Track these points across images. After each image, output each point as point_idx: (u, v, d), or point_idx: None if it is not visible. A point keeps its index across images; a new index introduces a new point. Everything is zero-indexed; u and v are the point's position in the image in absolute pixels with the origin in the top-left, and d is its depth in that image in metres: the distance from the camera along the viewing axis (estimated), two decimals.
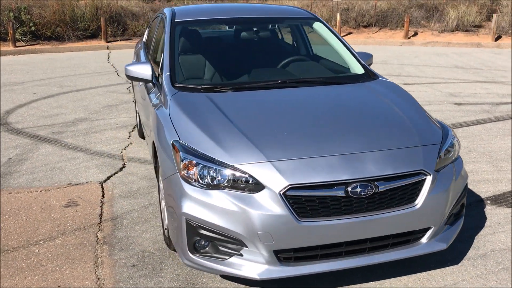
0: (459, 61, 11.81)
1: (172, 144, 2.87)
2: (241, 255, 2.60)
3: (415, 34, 16.46)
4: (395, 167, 2.66)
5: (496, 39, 15.26)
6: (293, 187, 2.52)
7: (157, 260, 3.23)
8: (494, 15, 15.26)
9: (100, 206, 4.04)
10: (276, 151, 2.66)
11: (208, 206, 2.59)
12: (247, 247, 2.56)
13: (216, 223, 2.56)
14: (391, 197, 2.65)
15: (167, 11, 4.40)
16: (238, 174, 2.58)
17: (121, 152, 5.39)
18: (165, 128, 3.06)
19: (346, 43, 4.23)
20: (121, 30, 15.53)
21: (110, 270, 3.12)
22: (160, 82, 3.69)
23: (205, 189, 2.62)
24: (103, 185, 4.49)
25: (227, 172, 2.60)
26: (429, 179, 2.73)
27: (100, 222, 3.76)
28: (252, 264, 2.59)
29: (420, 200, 2.71)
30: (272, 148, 2.68)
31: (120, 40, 15.14)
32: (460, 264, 3.17)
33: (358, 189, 2.55)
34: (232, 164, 2.61)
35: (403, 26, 16.67)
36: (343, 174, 2.57)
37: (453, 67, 10.91)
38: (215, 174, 2.62)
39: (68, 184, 4.52)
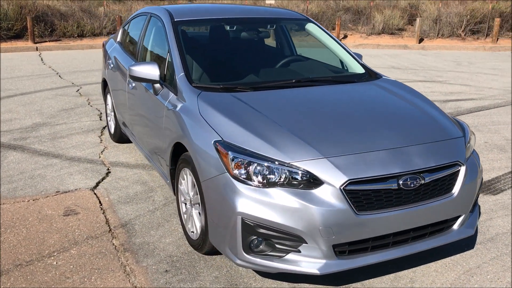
0: (394, 62, 12.50)
1: (215, 144, 2.82)
2: (299, 251, 2.62)
3: (345, 36, 17.16)
4: (436, 159, 2.82)
5: (419, 41, 16.32)
6: (352, 182, 2.58)
7: (189, 264, 3.15)
8: (418, 19, 16.31)
9: (103, 213, 3.86)
10: (328, 148, 2.71)
11: (266, 204, 2.58)
12: (306, 243, 2.59)
13: (276, 221, 2.56)
14: (433, 187, 2.80)
15: (160, 10, 4.29)
16: (295, 171, 2.60)
17: (99, 157, 5.15)
18: (199, 129, 3.00)
19: (341, 44, 4.37)
20: (49, 30, 14.74)
21: (144, 277, 3.00)
22: (172, 83, 3.60)
23: (262, 187, 2.61)
24: (95, 191, 4.28)
25: (284, 170, 2.61)
26: (463, 169, 2.92)
27: (111, 230, 3.59)
28: (310, 259, 2.62)
29: (456, 190, 2.89)
30: (323, 144, 2.73)
31: (49, 41, 14.36)
32: (475, 248, 3.40)
33: (408, 182, 2.68)
34: (288, 162, 2.62)
35: (333, 29, 17.34)
36: (395, 168, 2.68)
37: (390, 68, 11.53)
38: (271, 172, 2.62)
39: (57, 192, 4.25)
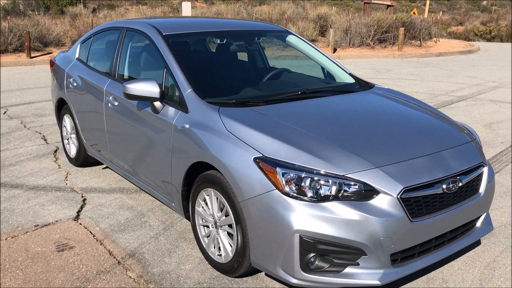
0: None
1: (255, 161, 2.70)
2: (358, 264, 2.58)
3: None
4: (468, 161, 2.94)
5: (334, 51, 17.06)
6: (406, 190, 2.60)
7: None
8: (331, 30, 17.06)
9: (101, 245, 3.53)
10: (376, 157, 2.70)
11: (324, 219, 2.51)
12: (366, 255, 2.56)
13: (337, 235, 2.50)
14: (467, 189, 2.91)
15: (142, 25, 4.05)
16: (348, 183, 2.57)
17: (66, 183, 4.74)
18: (230, 146, 2.85)
19: (325, 54, 4.42)
20: None
21: None
22: (174, 100, 3.41)
23: (317, 202, 2.54)
24: (80, 222, 3.91)
25: (338, 183, 2.56)
26: (485, 170, 3.08)
27: (119, 262, 3.29)
28: (369, 271, 2.59)
29: (482, 189, 3.03)
30: (370, 154, 2.72)
31: None
32: (482, 244, 3.59)
33: (450, 185, 2.76)
34: (342, 174, 2.58)
35: None
36: (439, 173, 2.74)
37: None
38: (325, 186, 2.56)
39: (36, 226, 3.83)
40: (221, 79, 3.81)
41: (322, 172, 2.59)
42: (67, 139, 5.29)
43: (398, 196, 2.57)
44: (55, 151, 5.77)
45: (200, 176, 3.14)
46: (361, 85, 4.01)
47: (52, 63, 5.61)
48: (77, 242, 3.57)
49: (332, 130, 2.98)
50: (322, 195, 2.55)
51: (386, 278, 2.59)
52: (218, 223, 3.07)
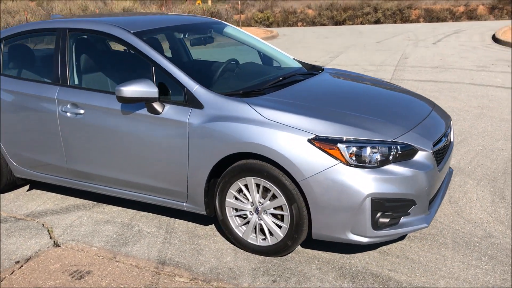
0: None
1: (312, 141, 2.93)
2: (409, 214, 3.04)
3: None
4: (446, 120, 3.62)
5: None
6: (434, 145, 3.15)
7: (284, 269, 3.13)
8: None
9: (117, 261, 3.29)
10: (402, 122, 3.18)
11: (387, 180, 2.89)
12: (416, 204, 3.03)
13: (398, 192, 2.90)
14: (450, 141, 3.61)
15: (96, 23, 3.77)
16: (398, 146, 2.99)
17: (5, 214, 4.12)
18: (278, 132, 2.99)
19: (264, 42, 4.69)
20: None
21: None
22: (176, 98, 3.35)
23: (378, 167, 2.91)
24: (65, 246, 3.53)
25: (389, 147, 2.97)
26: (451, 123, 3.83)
27: (158, 272, 3.14)
28: (417, 217, 3.07)
29: (453, 139, 3.77)
30: (396, 121, 3.19)
31: None
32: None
33: (448, 138, 3.41)
34: (391, 140, 2.99)
35: None
36: (440, 131, 3.36)
37: None
38: (380, 152, 2.93)
39: (17, 263, 3.33)
40: (213, 73, 3.80)
41: (375, 140, 2.96)
42: None
43: (431, 151, 3.10)
44: None
45: (232, 168, 3.19)
46: (314, 68, 4.40)
47: None
48: (88, 265, 3.25)
49: (348, 106, 3.35)
50: (380, 160, 2.93)
51: (429, 220, 3.11)
52: (260, 209, 3.19)
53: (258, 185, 3.15)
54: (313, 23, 33.84)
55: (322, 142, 2.91)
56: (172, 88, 3.42)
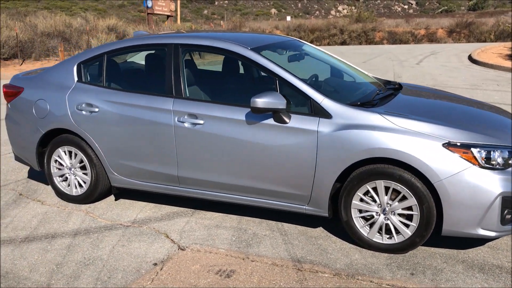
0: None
1: (446, 146, 3.28)
2: None
3: None
4: None
5: None
6: None
7: (414, 263, 3.44)
8: None
9: (253, 261, 3.51)
10: (506, 130, 3.63)
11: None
12: None
13: None
14: None
15: (220, 41, 4.04)
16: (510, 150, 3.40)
17: (108, 222, 4.25)
18: (414, 138, 3.30)
19: (338, 58, 5.05)
20: None
21: (412, 284, 3.18)
22: (299, 109, 3.65)
23: (504, 169, 3.29)
24: (191, 248, 3.71)
25: (509, 151, 3.36)
26: None
27: (299, 269, 3.39)
28: None
29: None
30: (502, 129, 3.63)
31: None
32: None
33: None
34: (510, 145, 3.39)
35: (48, 56, 16.25)
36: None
37: None
38: (504, 155, 3.32)
39: (155, 265, 3.49)
40: (329, 85, 4.11)
41: (500, 145, 3.35)
42: (60, 176, 4.62)
43: None
44: (20, 194, 4.89)
45: (361, 172, 3.50)
46: (385, 83, 4.80)
47: (11, 92, 4.74)
48: (227, 265, 3.45)
49: (454, 116, 3.76)
50: (505, 163, 3.32)
51: None
52: (387, 210, 3.50)
53: (386, 188, 3.46)
54: None
55: (456, 147, 3.28)
56: (292, 99, 3.71)
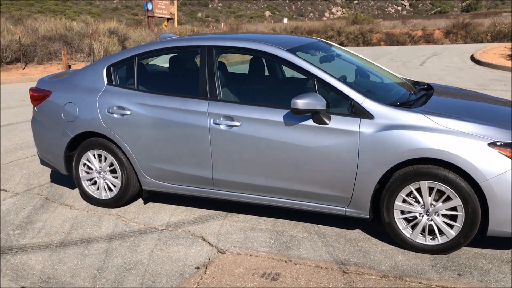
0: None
1: (492, 145, 3.26)
2: None
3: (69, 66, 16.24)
4: None
5: None
6: None
7: (457, 264, 3.42)
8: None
9: (295, 264, 3.48)
10: None
11: None
12: None
13: None
14: None
15: (255, 42, 4.01)
16: None
17: (142, 226, 4.20)
18: (460, 138, 3.29)
19: (363, 57, 5.03)
20: None
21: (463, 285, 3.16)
22: (339, 110, 3.63)
23: None
24: (231, 252, 3.68)
25: None
26: None
27: (344, 271, 3.36)
28: None
29: None
30: None
31: None
32: None
33: None
34: None
35: (51, 60, 16.16)
36: None
37: None
38: None
39: (197, 268, 3.46)
40: (361, 86, 4.09)
41: None
42: (89, 180, 4.57)
43: None
44: (47, 198, 4.84)
45: (405, 172, 3.47)
46: (414, 83, 4.79)
47: (38, 95, 4.69)
48: (271, 268, 3.42)
49: (491, 116, 3.75)
50: None
51: None
52: (431, 210, 3.48)
53: (430, 188, 3.44)
54: None
55: (501, 147, 3.26)
56: (331, 100, 3.69)
